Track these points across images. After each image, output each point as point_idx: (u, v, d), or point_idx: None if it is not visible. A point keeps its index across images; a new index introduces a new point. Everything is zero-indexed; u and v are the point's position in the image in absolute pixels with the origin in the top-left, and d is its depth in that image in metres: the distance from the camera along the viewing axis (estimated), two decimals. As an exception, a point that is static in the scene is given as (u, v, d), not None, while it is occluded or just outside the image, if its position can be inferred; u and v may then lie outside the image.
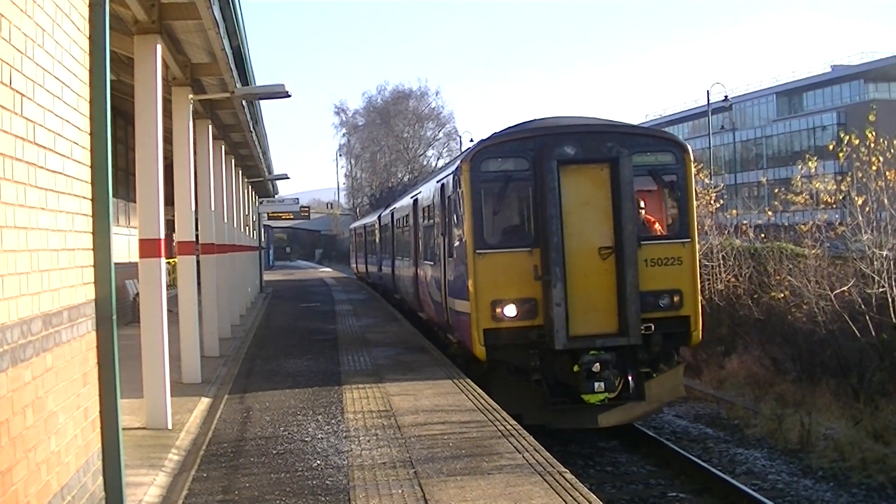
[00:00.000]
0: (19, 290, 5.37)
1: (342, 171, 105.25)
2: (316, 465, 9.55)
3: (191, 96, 15.15)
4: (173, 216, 15.09)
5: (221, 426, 11.77)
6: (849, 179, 22.27)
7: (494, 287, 14.56)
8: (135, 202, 13.37)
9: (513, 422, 11.32)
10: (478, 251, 14.67)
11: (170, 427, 11.36)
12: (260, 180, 37.22)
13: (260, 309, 31.89)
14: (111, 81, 7.46)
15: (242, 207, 31.78)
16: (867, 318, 18.62)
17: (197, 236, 17.27)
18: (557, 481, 8.58)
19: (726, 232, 26.32)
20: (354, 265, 58.14)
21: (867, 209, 20.25)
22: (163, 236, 11.50)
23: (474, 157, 15.16)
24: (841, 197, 23.00)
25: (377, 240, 37.99)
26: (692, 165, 15.62)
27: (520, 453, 9.69)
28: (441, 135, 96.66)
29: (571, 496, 8.10)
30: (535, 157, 14.68)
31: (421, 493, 8.34)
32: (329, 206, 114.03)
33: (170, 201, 13.20)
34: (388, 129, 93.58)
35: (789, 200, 25.54)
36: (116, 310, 7.44)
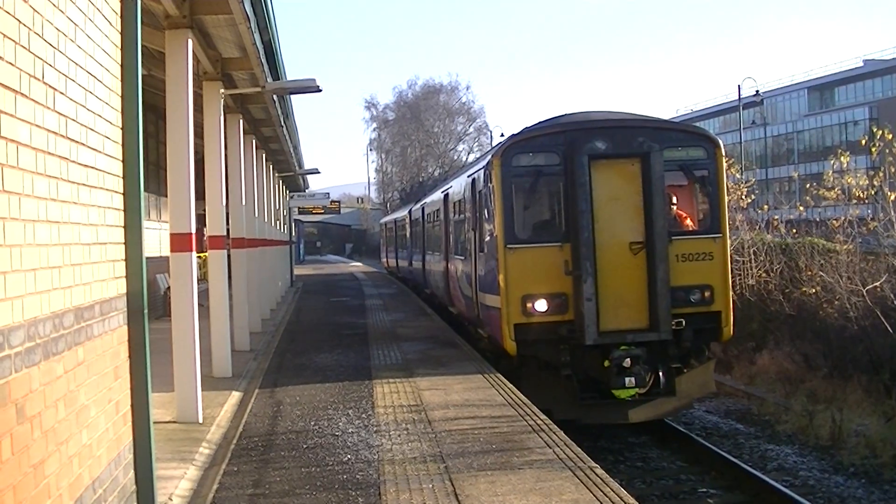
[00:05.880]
0: (51, 284, 5.39)
1: (373, 165, 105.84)
2: (346, 459, 9.56)
3: (222, 91, 15.21)
4: (204, 211, 15.16)
5: (252, 420, 11.81)
6: (881, 174, 22.09)
7: (525, 282, 14.54)
8: (166, 197, 13.42)
9: (543, 417, 11.29)
10: (508, 246, 14.64)
11: (200, 421, 11.40)
12: (290, 175, 37.35)
13: (290, 303, 31.97)
14: (142, 76, 7.49)
15: (273, 202, 31.86)
16: (900, 314, 18.45)
17: (228, 231, 17.35)
18: (588, 476, 8.56)
19: (757, 227, 26.12)
20: (384, 259, 58.17)
21: (900, 204, 20.06)
22: (194, 231, 11.53)
23: (505, 151, 15.12)
24: (873, 192, 22.80)
25: (407, 234, 38.00)
26: (723, 160, 15.54)
27: (550, 448, 9.66)
28: (471, 129, 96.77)
29: (602, 491, 8.07)
30: (565, 152, 14.63)
31: (451, 487, 8.33)
32: (359, 200, 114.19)
33: (201, 196, 13.24)
34: (418, 123, 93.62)
35: (821, 196, 25.30)
36: (148, 304, 7.47)
